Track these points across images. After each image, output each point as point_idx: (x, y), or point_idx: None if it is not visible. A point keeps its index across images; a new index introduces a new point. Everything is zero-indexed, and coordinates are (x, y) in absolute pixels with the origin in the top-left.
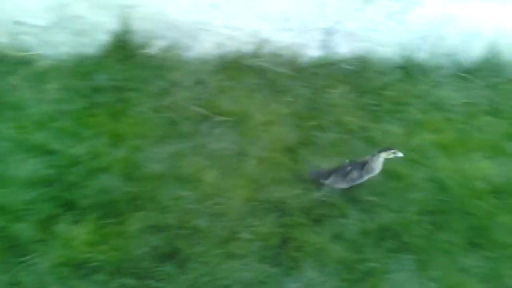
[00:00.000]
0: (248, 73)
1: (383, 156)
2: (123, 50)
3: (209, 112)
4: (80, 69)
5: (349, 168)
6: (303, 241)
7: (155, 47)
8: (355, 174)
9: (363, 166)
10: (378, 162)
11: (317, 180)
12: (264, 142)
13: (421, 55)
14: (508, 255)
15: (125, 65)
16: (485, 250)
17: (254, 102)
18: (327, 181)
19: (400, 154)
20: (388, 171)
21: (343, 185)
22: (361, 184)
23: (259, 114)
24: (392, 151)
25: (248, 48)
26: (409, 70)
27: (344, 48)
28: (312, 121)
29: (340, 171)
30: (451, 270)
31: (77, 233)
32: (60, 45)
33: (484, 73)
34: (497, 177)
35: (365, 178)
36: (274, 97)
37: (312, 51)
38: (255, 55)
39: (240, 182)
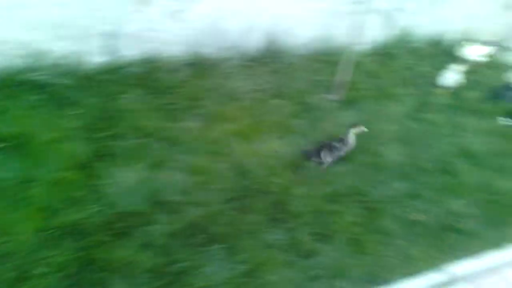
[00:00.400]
0: (25, 89)
1: (353, 132)
2: None
3: None
4: None
5: (335, 145)
6: (108, 259)
7: None
8: (338, 149)
9: (342, 142)
10: (351, 137)
11: (308, 158)
12: (52, 163)
13: (208, 50)
14: (303, 222)
15: None
16: (284, 222)
17: (37, 120)
18: (319, 158)
19: (365, 129)
20: (192, 167)
21: (330, 159)
22: (342, 157)
23: (43, 132)
24: (358, 126)
25: (21, 62)
26: (199, 66)
27: (129, 51)
28: (107, 130)
29: (327, 148)
30: (257, 248)
31: None
32: None
33: (266, 60)
34: (288, 153)
35: (345, 150)
36: (60, 111)
37: (96, 58)
38: (30, 69)
39: (28, 213)
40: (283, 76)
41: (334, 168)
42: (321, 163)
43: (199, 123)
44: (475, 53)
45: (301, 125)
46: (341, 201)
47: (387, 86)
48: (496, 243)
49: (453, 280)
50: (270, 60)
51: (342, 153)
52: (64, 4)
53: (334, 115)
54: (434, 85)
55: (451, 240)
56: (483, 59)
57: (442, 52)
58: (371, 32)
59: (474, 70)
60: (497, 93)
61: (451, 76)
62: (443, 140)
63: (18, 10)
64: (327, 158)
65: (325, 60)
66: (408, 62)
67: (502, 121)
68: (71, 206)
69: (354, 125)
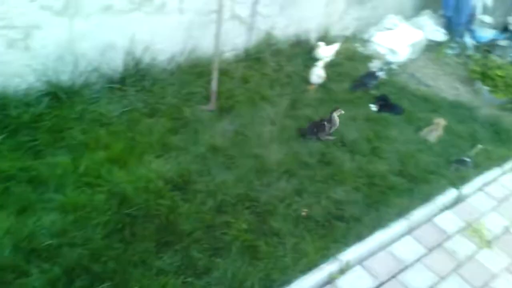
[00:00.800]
0: None
1: (335, 114)
2: None
3: None
4: None
5: (325, 124)
6: None
7: None
8: (328, 127)
9: (329, 122)
10: (335, 118)
11: (305, 135)
12: None
13: (65, 77)
14: (194, 240)
15: None
16: (175, 244)
17: None
18: (312, 136)
19: (342, 111)
20: (65, 205)
21: (324, 136)
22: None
23: None
24: (338, 110)
25: None
26: (58, 95)
27: None
28: None
29: (321, 128)
30: (150, 277)
31: None
32: None
33: (134, 79)
34: (170, 171)
35: (333, 129)
36: None
37: None
38: None
39: None
40: (155, 93)
41: (219, 178)
42: (317, 138)
43: (67, 156)
44: (328, 50)
45: (179, 140)
46: (230, 211)
47: (260, 89)
48: (378, 223)
49: (346, 267)
50: (138, 79)
51: (330, 131)
52: None
53: (211, 125)
54: (303, 83)
55: (339, 228)
56: (333, 56)
57: (304, 51)
58: (236, 39)
59: (338, 63)
60: (362, 82)
61: (317, 73)
62: None
63: None
64: (321, 135)
65: (195, 72)
66: (276, 64)
67: (372, 107)
68: None
69: (334, 109)
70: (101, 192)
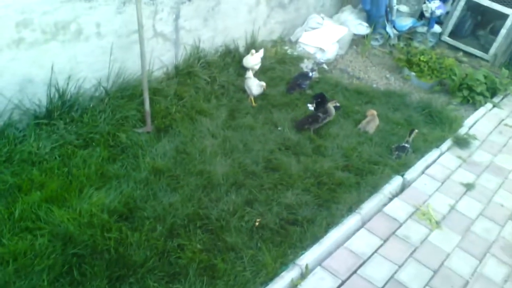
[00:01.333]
0: None
1: (330, 105)
2: None
3: None
4: None
5: (321, 115)
6: None
7: None
8: (323, 117)
9: (325, 112)
10: (331, 110)
11: (301, 127)
12: None
13: None
14: (149, 270)
15: None
16: (129, 277)
17: None
18: (309, 126)
19: (337, 103)
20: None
21: (318, 126)
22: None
23: None
24: (333, 101)
25: None
26: None
27: None
28: None
29: (315, 118)
30: None
31: None
32: None
33: (61, 112)
34: (113, 202)
35: (328, 119)
36: None
37: None
38: None
39: None
40: (85, 123)
41: (166, 201)
42: (314, 128)
43: (0, 202)
44: (254, 59)
45: (119, 168)
46: (182, 233)
47: (195, 104)
48: (332, 222)
49: (307, 271)
50: (65, 111)
51: (325, 120)
52: None
53: (150, 147)
54: (238, 92)
55: (294, 233)
56: (260, 63)
57: (235, 59)
58: (163, 56)
59: (270, 68)
60: (296, 84)
61: (257, 83)
62: (261, 139)
63: None
64: (317, 125)
65: (125, 95)
66: (208, 77)
67: (309, 107)
68: None
69: (329, 100)
70: (42, 236)
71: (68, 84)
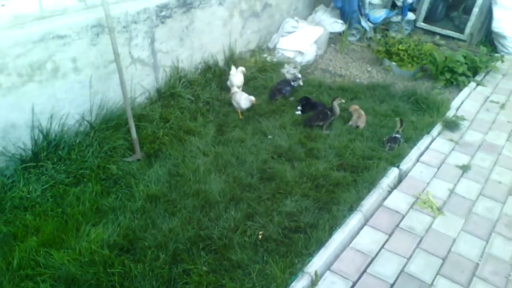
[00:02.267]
0: None
1: (335, 103)
2: None
3: None
4: None
5: (328, 112)
6: None
7: None
8: (330, 115)
9: (331, 110)
10: (336, 108)
11: (312, 124)
12: None
13: None
14: None
15: None
16: None
17: None
18: (319, 123)
19: (343, 100)
20: None
21: (328, 122)
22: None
23: None
24: (338, 99)
25: None
26: None
27: None
28: None
29: (324, 115)
30: None
31: None
32: None
33: (45, 153)
34: (112, 236)
35: (333, 117)
36: None
37: None
38: None
39: None
40: (74, 160)
41: (165, 227)
42: (321, 125)
43: None
44: (238, 78)
45: (113, 200)
46: (186, 257)
47: (182, 124)
48: (335, 224)
49: (317, 278)
50: (52, 151)
51: (331, 119)
52: None
53: (142, 175)
54: (224, 106)
55: (298, 240)
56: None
57: (216, 74)
58: (143, 81)
59: (252, 77)
60: (277, 90)
61: (245, 98)
62: (253, 150)
63: None
64: (324, 122)
65: (110, 126)
66: (191, 95)
67: (296, 112)
68: None
69: (334, 98)
70: (44, 281)
71: (51, 123)
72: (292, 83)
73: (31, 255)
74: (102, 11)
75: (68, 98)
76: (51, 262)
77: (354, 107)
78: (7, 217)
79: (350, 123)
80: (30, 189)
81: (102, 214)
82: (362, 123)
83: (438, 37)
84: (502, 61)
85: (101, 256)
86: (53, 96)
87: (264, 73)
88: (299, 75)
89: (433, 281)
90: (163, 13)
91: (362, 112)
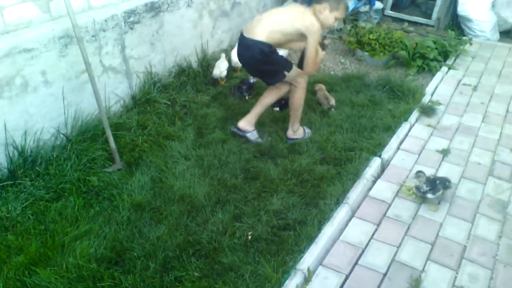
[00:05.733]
0: None
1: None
2: None
3: None
4: None
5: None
6: None
7: None
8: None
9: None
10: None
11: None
12: None
13: None
14: None
15: None
16: None
17: None
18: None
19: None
20: None
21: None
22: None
23: None
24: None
25: None
26: None
27: None
28: None
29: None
30: None
31: None
32: None
33: (22, 170)
34: (99, 249)
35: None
36: None
37: None
38: None
39: None
40: (52, 175)
41: (152, 235)
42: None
43: None
44: (223, 64)
45: (97, 213)
46: (176, 264)
47: (161, 130)
48: (323, 218)
49: (310, 274)
50: (28, 168)
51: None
52: None
53: (124, 184)
54: (202, 109)
55: (288, 238)
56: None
57: (191, 77)
58: (117, 89)
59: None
60: (236, 89)
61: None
62: (235, 150)
63: None
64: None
65: (87, 137)
66: (167, 100)
67: (275, 109)
68: None
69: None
70: None
71: (25, 139)
72: (251, 81)
73: (17, 276)
74: (69, 22)
75: (40, 112)
76: (38, 281)
77: (319, 86)
78: None
79: (323, 106)
80: (9, 208)
81: (87, 228)
82: (332, 100)
83: (406, 24)
84: (471, 44)
85: (89, 270)
86: (25, 111)
87: (239, 73)
88: None
89: (424, 267)
90: (131, 19)
91: (323, 87)
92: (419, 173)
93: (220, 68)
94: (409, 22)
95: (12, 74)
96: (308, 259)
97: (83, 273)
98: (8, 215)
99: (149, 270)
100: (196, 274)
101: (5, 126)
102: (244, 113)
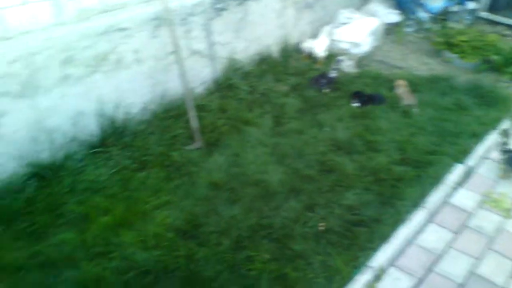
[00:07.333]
0: None
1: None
2: None
3: None
4: None
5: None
6: None
7: None
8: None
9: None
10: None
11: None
12: None
13: (45, 154)
14: (220, 284)
15: None
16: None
17: None
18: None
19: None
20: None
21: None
22: None
23: None
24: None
25: None
26: (43, 174)
27: None
28: None
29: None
30: None
31: None
32: None
33: (112, 139)
34: (176, 220)
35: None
36: None
37: None
38: None
39: None
40: (138, 147)
41: (227, 214)
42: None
43: (71, 231)
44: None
45: (177, 186)
46: (248, 244)
47: (239, 115)
48: (399, 219)
49: (381, 272)
50: (117, 138)
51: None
52: None
53: (204, 163)
54: (280, 98)
55: (361, 234)
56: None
57: (272, 66)
58: (201, 72)
59: (306, 70)
60: (314, 80)
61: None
62: (311, 142)
63: None
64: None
65: (171, 115)
66: (248, 87)
67: (354, 104)
68: None
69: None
70: (115, 258)
71: (116, 112)
72: (331, 75)
73: (103, 234)
74: (161, 5)
75: (131, 88)
76: (120, 242)
77: (399, 82)
78: (79, 198)
79: (403, 102)
80: (99, 174)
81: (167, 199)
82: (412, 98)
83: (502, 27)
84: None
85: (167, 239)
86: (117, 86)
87: (317, 65)
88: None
89: (507, 285)
90: (218, 5)
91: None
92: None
93: (321, 46)
94: (505, 25)
95: (108, 50)
96: (380, 257)
97: (160, 240)
98: (97, 179)
99: (222, 246)
100: (266, 256)
101: (99, 98)
102: (321, 106)
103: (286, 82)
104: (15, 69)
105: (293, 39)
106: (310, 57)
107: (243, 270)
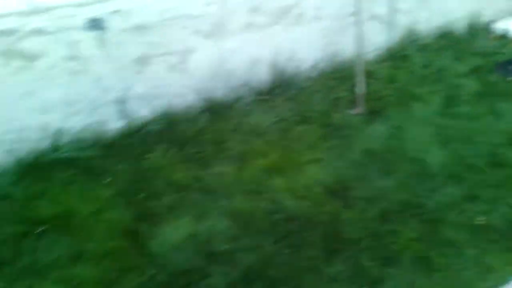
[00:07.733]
0: (55, 168)
1: None
2: None
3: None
4: None
5: None
6: None
7: None
8: None
9: None
10: None
11: None
12: (98, 234)
13: (219, 93)
14: (362, 248)
15: None
16: (342, 252)
17: (73, 196)
18: None
19: None
20: (234, 212)
21: None
22: None
23: (83, 206)
24: None
25: (43, 144)
26: (214, 110)
27: (143, 111)
28: (142, 192)
29: None
30: (322, 285)
31: None
32: None
33: (279, 90)
34: (327, 178)
35: None
36: (93, 183)
37: (113, 125)
38: (54, 148)
39: None
40: (301, 101)
41: (378, 184)
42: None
43: (230, 166)
44: None
45: (332, 146)
46: (395, 219)
47: (408, 88)
48: None
49: None
50: (283, 90)
51: None
52: (69, 82)
53: (363, 129)
54: (456, 78)
55: None
56: None
57: (454, 42)
58: (377, 38)
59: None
60: (502, 65)
61: None
62: (484, 131)
63: (29, 96)
64: None
65: (338, 77)
66: (423, 60)
67: None
68: (126, 275)
69: None
70: (264, 199)
71: (287, 65)
72: None
73: (258, 174)
74: None
75: (305, 44)
76: (272, 185)
77: None
78: (241, 139)
79: None
80: (262, 120)
81: (320, 156)
82: None
83: None
84: None
85: (314, 193)
86: (293, 40)
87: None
88: None
89: None
90: None
91: None
92: None
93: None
94: None
95: (291, 3)
96: None
97: (308, 193)
98: (259, 124)
99: (367, 213)
100: (412, 235)
101: (275, 48)
102: (503, 94)
103: (466, 62)
104: (211, 10)
105: (485, 17)
106: (502, 39)
107: (386, 242)
